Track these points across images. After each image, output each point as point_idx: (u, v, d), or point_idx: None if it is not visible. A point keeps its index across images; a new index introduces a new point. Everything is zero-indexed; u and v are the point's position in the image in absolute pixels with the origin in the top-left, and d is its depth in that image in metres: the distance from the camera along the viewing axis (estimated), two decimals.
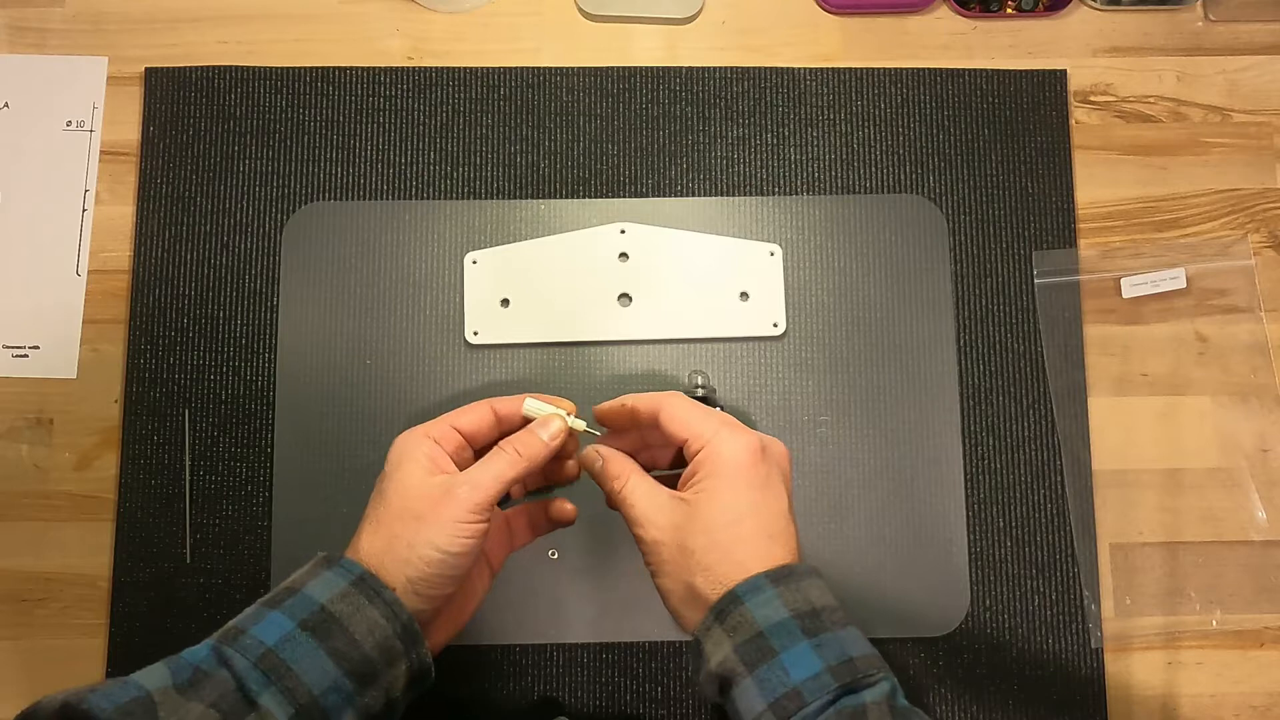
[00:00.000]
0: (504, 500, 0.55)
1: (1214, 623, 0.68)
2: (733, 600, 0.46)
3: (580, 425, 0.53)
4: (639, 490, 0.50)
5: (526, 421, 0.53)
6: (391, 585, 0.47)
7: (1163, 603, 0.68)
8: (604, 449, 0.53)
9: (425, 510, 0.48)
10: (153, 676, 0.44)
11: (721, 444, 0.49)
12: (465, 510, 0.48)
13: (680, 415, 0.50)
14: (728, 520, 0.47)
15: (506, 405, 0.53)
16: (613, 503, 0.52)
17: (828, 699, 0.43)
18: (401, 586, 0.48)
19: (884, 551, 0.68)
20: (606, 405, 0.54)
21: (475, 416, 0.52)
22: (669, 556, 0.49)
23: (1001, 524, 0.68)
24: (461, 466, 0.51)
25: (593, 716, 0.66)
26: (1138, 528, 0.69)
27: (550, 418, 0.52)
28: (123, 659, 0.66)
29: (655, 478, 0.52)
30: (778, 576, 0.46)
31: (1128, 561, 0.68)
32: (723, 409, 0.68)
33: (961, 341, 0.70)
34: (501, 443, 0.51)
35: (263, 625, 0.46)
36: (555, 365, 0.69)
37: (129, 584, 0.67)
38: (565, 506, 0.56)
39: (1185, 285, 0.71)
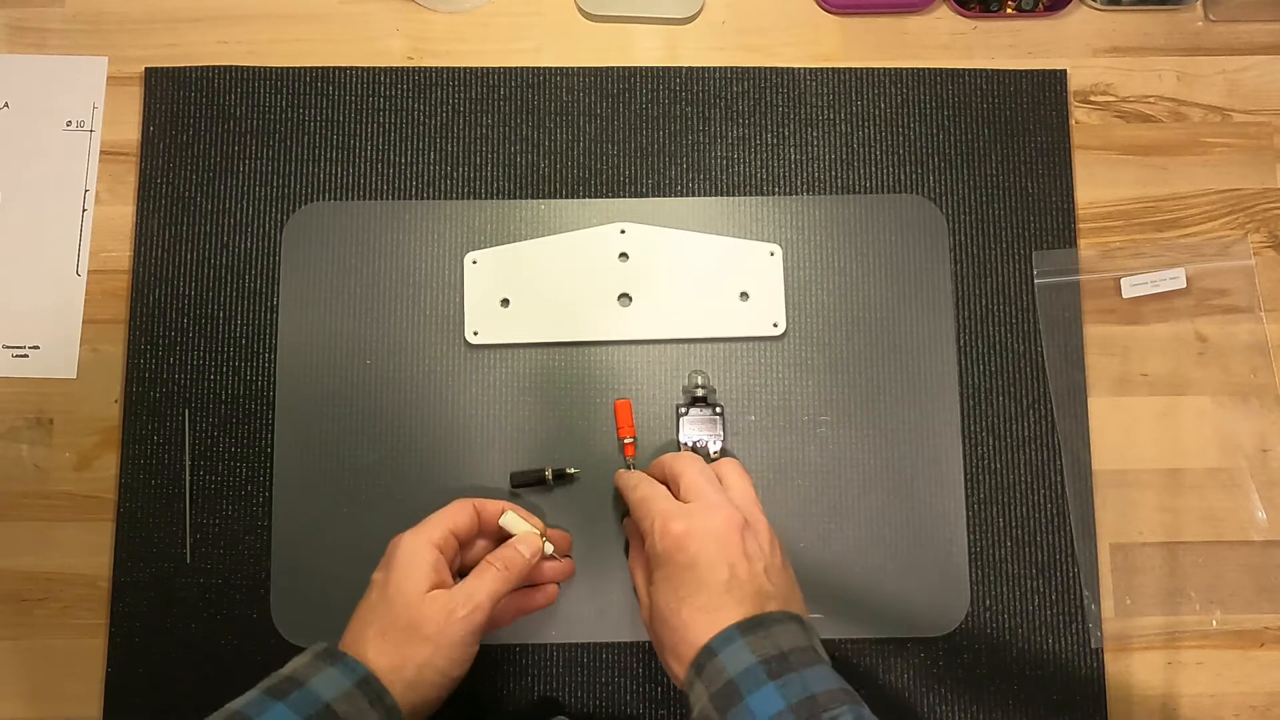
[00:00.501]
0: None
1: (1214, 623, 0.68)
2: (707, 653, 0.50)
3: (549, 549, 0.60)
4: (634, 574, 0.59)
5: (501, 528, 0.60)
6: (397, 696, 0.52)
7: (1163, 603, 0.68)
8: (630, 527, 0.62)
9: (432, 633, 0.53)
10: None
11: (654, 543, 0.55)
12: (469, 633, 0.54)
13: (636, 512, 0.58)
14: (670, 610, 0.53)
15: (487, 508, 0.60)
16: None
17: None
18: (401, 699, 0.52)
19: (884, 551, 0.68)
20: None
21: (465, 518, 0.58)
22: (650, 629, 0.56)
23: (1001, 524, 0.68)
24: (450, 563, 0.57)
25: (593, 716, 0.66)
26: (1138, 528, 0.69)
27: (529, 535, 0.59)
28: (123, 659, 0.66)
29: None
30: (748, 626, 0.51)
31: (1128, 561, 0.68)
32: (722, 410, 0.68)
33: (961, 341, 0.70)
34: (489, 558, 0.58)
35: (267, 718, 0.48)
36: (555, 365, 0.69)
37: (129, 584, 0.67)
38: (547, 590, 0.63)
39: (1185, 285, 0.71)
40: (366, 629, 0.54)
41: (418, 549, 0.55)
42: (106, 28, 0.74)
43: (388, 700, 0.51)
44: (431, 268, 0.70)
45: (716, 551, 0.53)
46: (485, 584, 0.56)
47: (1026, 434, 0.69)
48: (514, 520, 0.60)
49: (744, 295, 0.70)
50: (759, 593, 0.52)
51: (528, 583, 0.61)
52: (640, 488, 0.58)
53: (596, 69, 0.73)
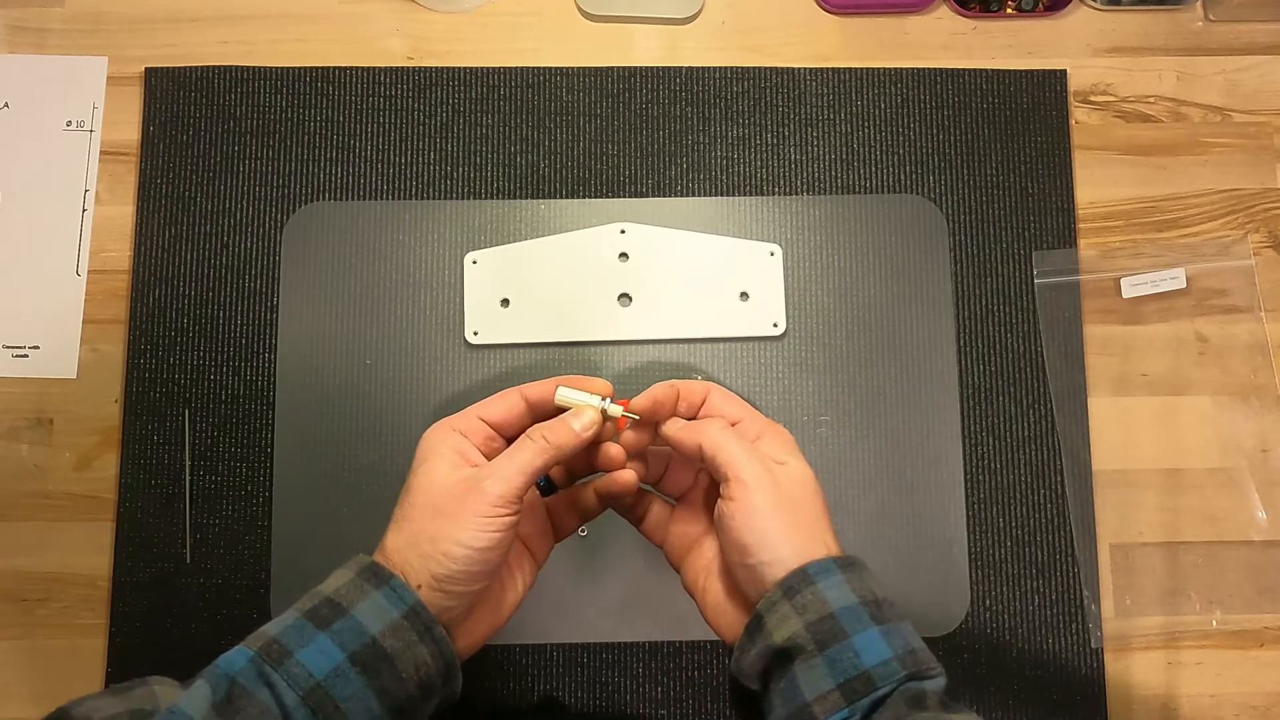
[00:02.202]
0: (550, 488, 0.54)
1: (1214, 623, 0.68)
2: (803, 578, 0.46)
3: (617, 411, 0.51)
4: (735, 440, 0.49)
5: (560, 410, 0.51)
6: (416, 583, 0.46)
7: (1163, 603, 0.68)
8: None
9: (450, 506, 0.47)
10: (196, 702, 0.42)
11: (770, 445, 0.50)
12: (489, 505, 0.46)
13: (736, 406, 0.52)
14: (769, 521, 0.47)
15: (537, 391, 0.51)
16: (688, 452, 0.50)
17: (894, 685, 0.44)
18: (427, 583, 0.46)
19: (884, 551, 0.68)
20: (641, 402, 0.51)
21: (504, 406, 0.51)
22: (759, 508, 0.47)
23: (1001, 524, 0.68)
24: (491, 457, 0.49)
25: (593, 716, 0.66)
26: (1138, 528, 0.69)
27: (584, 408, 0.50)
28: (123, 659, 0.66)
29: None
30: (844, 564, 0.47)
31: (1128, 561, 0.68)
32: None
33: (961, 341, 0.70)
34: (529, 430, 0.49)
35: (309, 651, 0.44)
36: (555, 365, 0.69)
37: (129, 584, 0.67)
38: (619, 477, 0.52)
39: (1185, 285, 0.71)
40: (390, 524, 0.48)
41: (435, 437, 0.50)
42: (106, 28, 0.74)
43: (436, 632, 0.45)
44: (431, 268, 0.70)
45: (815, 486, 0.50)
46: (518, 455, 0.48)
47: (1026, 434, 0.69)
48: (570, 395, 0.51)
49: (744, 295, 0.70)
50: (834, 534, 0.50)
51: (604, 468, 0.52)
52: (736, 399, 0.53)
53: (596, 69, 0.73)
